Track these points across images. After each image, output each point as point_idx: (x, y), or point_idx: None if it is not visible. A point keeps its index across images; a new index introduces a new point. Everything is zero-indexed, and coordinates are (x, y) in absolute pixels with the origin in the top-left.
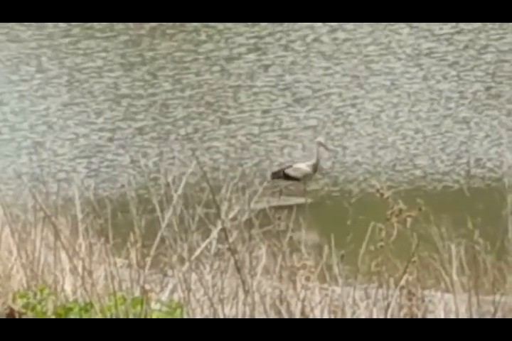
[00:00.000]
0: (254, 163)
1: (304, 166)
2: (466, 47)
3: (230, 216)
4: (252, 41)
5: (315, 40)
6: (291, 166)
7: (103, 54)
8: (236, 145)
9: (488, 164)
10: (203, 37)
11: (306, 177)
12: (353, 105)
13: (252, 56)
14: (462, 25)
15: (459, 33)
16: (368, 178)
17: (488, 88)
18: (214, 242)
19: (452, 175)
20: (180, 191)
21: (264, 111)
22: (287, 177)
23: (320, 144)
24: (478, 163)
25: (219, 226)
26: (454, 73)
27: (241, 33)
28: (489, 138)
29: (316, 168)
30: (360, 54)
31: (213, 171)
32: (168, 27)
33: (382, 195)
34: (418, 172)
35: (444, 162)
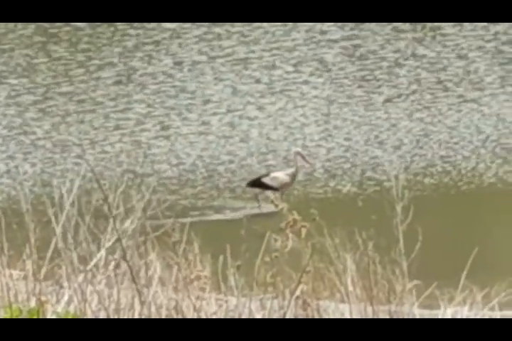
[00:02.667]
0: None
1: (282, 175)
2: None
3: (124, 225)
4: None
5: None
6: (267, 175)
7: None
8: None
9: (376, 175)
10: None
11: (283, 187)
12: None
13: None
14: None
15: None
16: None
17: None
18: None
19: (345, 183)
20: (70, 200)
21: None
22: (264, 186)
23: (298, 154)
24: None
25: (114, 237)
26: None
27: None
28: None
29: (294, 177)
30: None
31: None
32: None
33: (276, 205)
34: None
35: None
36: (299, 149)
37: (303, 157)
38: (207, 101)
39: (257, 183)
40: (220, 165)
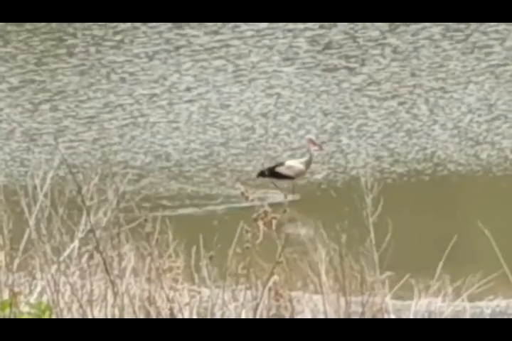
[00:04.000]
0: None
1: (297, 164)
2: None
3: (97, 216)
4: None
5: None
6: (282, 164)
7: None
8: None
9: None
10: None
11: (299, 175)
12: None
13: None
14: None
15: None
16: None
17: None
18: (82, 244)
19: (317, 173)
20: (44, 191)
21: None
22: (278, 175)
23: (311, 141)
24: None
25: (87, 227)
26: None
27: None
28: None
29: (309, 165)
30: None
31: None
32: None
33: (247, 197)
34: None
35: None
36: (311, 136)
37: (314, 143)
38: (175, 90)
39: (271, 173)
40: (190, 153)
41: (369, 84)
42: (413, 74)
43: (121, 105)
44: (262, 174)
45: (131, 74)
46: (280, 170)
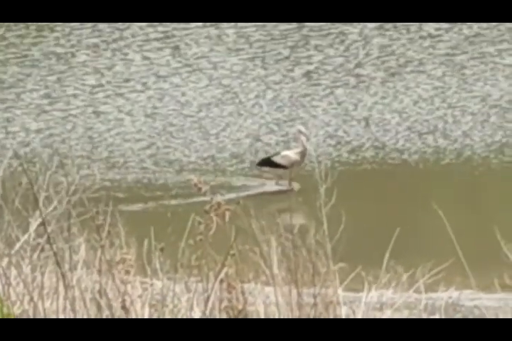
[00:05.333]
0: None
1: (292, 154)
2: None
3: (49, 208)
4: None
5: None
6: (278, 154)
7: None
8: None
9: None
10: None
11: (293, 165)
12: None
13: None
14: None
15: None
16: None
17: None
18: (33, 236)
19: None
20: None
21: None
22: (274, 164)
23: (301, 132)
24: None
25: (38, 219)
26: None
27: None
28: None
29: (304, 156)
30: None
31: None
32: None
33: (200, 189)
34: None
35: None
36: (301, 127)
37: (305, 135)
38: (126, 80)
39: (267, 162)
40: (135, 143)
41: (319, 74)
42: (363, 63)
43: (69, 95)
44: (260, 163)
45: (78, 64)
46: (276, 159)
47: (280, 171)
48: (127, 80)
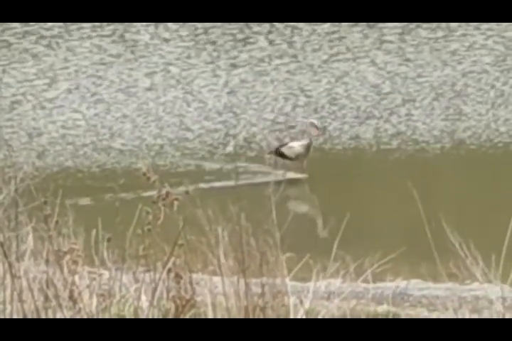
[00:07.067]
0: None
1: (297, 145)
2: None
3: None
4: None
5: None
6: (286, 144)
7: None
8: None
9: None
10: None
11: (298, 157)
12: None
13: None
14: None
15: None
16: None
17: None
18: None
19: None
20: None
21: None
22: (282, 155)
23: (312, 125)
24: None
25: None
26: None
27: None
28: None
29: (309, 148)
30: None
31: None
32: None
33: (148, 178)
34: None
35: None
36: (314, 120)
37: (316, 127)
38: (61, 68)
39: (276, 152)
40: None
41: (260, 60)
42: (305, 50)
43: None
44: (271, 152)
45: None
46: (283, 150)
47: (287, 162)
48: (68, 67)
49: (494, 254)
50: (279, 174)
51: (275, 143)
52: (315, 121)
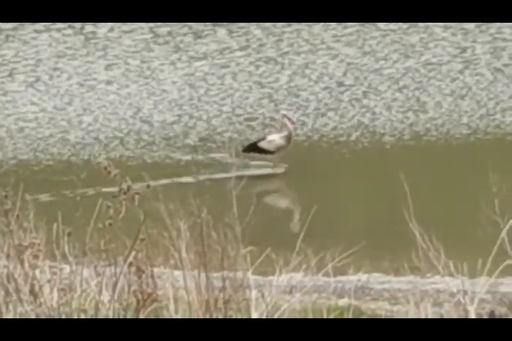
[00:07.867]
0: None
1: (277, 138)
2: None
3: None
4: None
5: None
6: (264, 138)
7: None
8: None
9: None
10: None
11: (279, 150)
12: None
13: None
14: None
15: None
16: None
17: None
18: None
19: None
20: None
21: None
22: (261, 150)
23: (285, 116)
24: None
25: None
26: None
27: None
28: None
29: (289, 139)
30: None
31: None
32: None
33: (109, 172)
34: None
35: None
36: (285, 111)
37: (289, 119)
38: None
39: (253, 148)
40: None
41: (222, 52)
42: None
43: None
44: (246, 149)
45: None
46: (262, 144)
47: (268, 156)
48: (25, 60)
49: (457, 246)
50: (256, 167)
51: (240, 138)
52: (286, 112)
